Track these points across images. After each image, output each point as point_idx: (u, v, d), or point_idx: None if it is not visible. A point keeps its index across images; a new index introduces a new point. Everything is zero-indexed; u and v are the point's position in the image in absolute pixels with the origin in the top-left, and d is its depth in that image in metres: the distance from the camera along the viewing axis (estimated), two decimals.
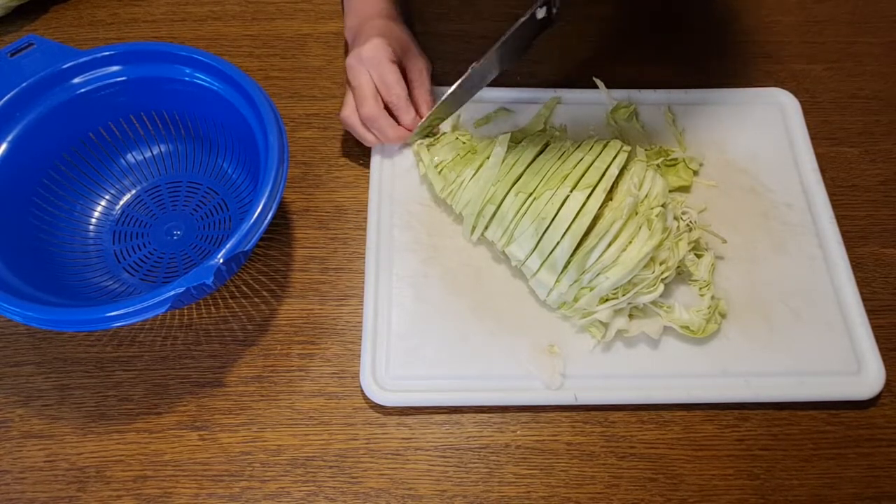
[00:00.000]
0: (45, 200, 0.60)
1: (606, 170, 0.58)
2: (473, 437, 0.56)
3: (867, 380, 0.57)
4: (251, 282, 0.62)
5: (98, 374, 0.57)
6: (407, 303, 0.60)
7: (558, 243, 0.56)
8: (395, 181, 0.66)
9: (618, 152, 0.59)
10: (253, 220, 0.51)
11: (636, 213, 0.57)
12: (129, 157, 0.65)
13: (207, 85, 0.59)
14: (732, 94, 0.71)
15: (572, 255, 0.56)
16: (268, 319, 0.60)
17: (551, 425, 0.56)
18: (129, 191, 0.65)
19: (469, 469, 0.54)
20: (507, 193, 0.59)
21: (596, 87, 0.71)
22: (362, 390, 0.56)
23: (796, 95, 0.71)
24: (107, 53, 0.59)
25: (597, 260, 0.56)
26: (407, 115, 0.63)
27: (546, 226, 0.56)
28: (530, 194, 0.58)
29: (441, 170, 0.63)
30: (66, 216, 0.62)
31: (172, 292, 0.48)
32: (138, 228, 0.63)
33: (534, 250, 0.57)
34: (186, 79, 0.60)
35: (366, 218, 0.64)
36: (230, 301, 0.61)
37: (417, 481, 0.54)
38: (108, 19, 0.77)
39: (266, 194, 0.52)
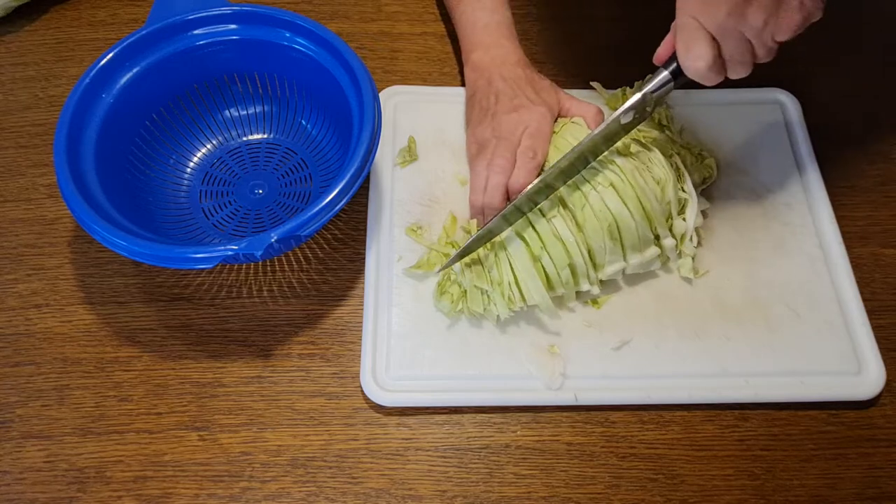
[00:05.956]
0: (145, 143, 0.63)
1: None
2: (474, 437, 0.56)
3: (867, 380, 0.57)
4: (251, 282, 0.62)
5: (98, 374, 0.57)
6: (407, 303, 0.60)
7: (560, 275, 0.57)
8: (395, 181, 0.66)
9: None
10: (318, 207, 0.52)
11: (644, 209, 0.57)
12: (224, 114, 0.67)
13: (305, 50, 0.61)
14: (732, 94, 0.71)
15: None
16: (268, 319, 0.60)
17: (551, 425, 0.56)
18: (221, 145, 0.67)
19: (469, 469, 0.54)
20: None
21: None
22: (362, 390, 0.56)
23: (796, 95, 0.72)
24: (226, 11, 0.61)
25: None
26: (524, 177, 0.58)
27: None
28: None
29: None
30: (161, 167, 0.64)
31: (229, 250, 0.50)
32: (222, 188, 0.65)
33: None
34: (285, 43, 0.62)
35: (366, 218, 0.64)
36: (230, 301, 0.61)
37: (418, 482, 0.54)
38: (109, 19, 0.77)
39: (348, 175, 0.53)
